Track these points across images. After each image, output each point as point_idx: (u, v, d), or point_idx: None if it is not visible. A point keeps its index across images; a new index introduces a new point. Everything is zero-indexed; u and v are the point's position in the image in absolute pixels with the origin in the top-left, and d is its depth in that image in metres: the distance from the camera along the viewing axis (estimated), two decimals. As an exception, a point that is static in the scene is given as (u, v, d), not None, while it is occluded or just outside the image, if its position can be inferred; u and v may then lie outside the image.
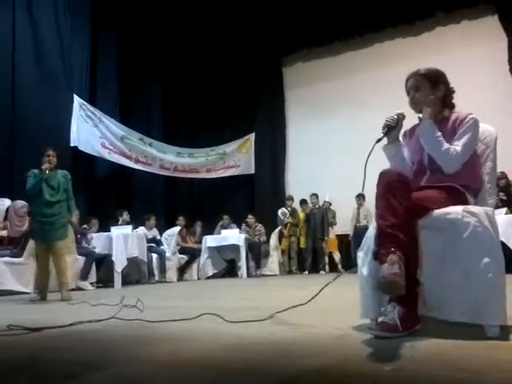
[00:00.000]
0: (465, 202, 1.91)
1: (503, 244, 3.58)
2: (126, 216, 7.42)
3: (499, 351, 1.48)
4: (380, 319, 1.82)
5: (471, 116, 2.04)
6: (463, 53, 8.14)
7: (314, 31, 9.29)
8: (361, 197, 8.39)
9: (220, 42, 9.75)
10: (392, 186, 1.81)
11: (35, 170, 4.43)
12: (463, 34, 8.34)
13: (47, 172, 4.35)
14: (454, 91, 2.15)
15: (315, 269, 8.63)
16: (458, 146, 1.98)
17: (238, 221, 8.80)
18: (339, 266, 8.54)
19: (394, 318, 1.72)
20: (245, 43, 9.81)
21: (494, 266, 1.67)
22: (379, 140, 2.07)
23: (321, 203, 8.89)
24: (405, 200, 1.79)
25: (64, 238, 4.55)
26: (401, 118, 2.08)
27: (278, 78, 10.44)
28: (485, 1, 8.10)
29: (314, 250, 8.76)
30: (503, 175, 6.62)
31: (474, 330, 1.70)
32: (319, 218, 8.67)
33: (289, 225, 8.83)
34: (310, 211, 8.86)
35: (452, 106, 2.14)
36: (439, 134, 2.01)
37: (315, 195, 8.89)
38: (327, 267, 8.62)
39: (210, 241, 8.12)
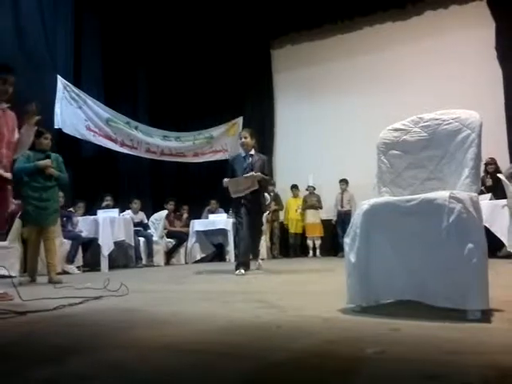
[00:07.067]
0: None
1: (486, 229, 3.63)
2: (110, 201, 7.32)
3: (481, 334, 1.51)
4: None
5: None
6: (452, 37, 8.14)
7: (303, 14, 9.16)
8: (344, 182, 8.43)
9: (207, 24, 9.56)
10: None
11: (30, 152, 4.32)
12: (452, 18, 8.32)
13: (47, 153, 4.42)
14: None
15: (284, 254, 8.95)
16: None
17: (226, 205, 8.76)
18: (317, 252, 8.77)
19: None
20: (233, 25, 9.64)
21: (477, 251, 1.69)
22: None
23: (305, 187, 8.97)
24: None
25: (56, 223, 4.75)
26: None
27: (266, 60, 10.32)
28: (474, -14, 8.09)
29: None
30: (492, 161, 6.63)
31: (455, 312, 1.74)
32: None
33: (272, 210, 8.72)
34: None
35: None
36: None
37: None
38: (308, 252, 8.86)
39: (197, 225, 8.09)
